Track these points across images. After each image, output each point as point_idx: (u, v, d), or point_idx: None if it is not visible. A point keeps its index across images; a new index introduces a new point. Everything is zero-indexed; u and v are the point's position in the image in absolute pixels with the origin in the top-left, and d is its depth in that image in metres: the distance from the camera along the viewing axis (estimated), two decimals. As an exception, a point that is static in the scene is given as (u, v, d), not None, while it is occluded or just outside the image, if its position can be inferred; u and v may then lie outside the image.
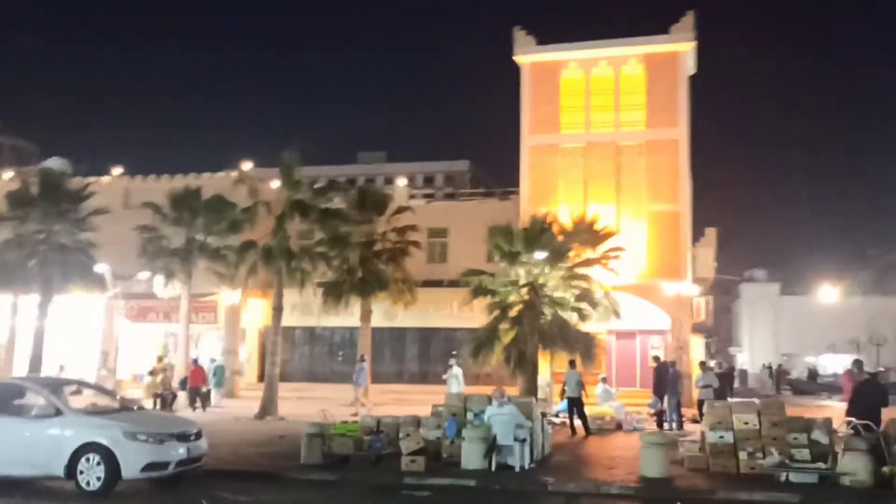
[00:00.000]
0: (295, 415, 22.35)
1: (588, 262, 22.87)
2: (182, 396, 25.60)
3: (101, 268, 25.49)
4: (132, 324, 31.71)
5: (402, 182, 34.17)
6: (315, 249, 24.28)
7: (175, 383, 26.01)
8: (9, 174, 35.72)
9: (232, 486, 12.10)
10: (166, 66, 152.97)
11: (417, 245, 28.46)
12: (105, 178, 32.92)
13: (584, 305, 21.39)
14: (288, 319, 26.10)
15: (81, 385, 14.51)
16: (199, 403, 25.08)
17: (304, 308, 28.43)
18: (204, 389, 25.78)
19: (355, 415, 20.36)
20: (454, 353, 26.84)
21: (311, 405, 24.22)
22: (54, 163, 35.24)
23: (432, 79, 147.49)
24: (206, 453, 12.41)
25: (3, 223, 26.25)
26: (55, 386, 12.65)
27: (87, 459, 11.24)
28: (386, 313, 29.74)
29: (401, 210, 27.93)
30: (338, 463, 13.62)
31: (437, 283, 30.62)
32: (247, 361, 33.67)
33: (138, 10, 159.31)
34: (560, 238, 22.62)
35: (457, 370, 24.22)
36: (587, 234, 24.97)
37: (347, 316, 28.32)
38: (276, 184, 25.74)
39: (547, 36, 31.61)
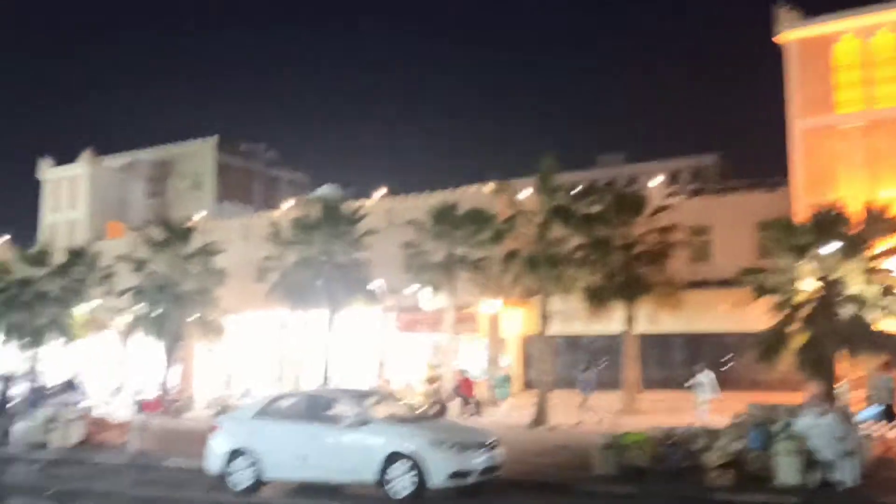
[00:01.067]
0: (566, 424, 22.14)
1: (889, 253, 20.27)
2: (454, 405, 26.47)
3: (376, 283, 27.24)
4: (402, 335, 33.51)
5: (656, 181, 32.86)
6: (575, 255, 24.00)
7: (445, 393, 26.97)
8: (289, 204, 39.56)
9: (530, 497, 12.06)
10: (392, 91, 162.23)
11: (680, 245, 27.14)
12: (370, 201, 35.19)
13: (890, 302, 18.93)
14: (548, 328, 26.06)
15: (381, 395, 15.32)
16: (469, 412, 25.77)
17: (563, 316, 28.27)
18: (472, 398, 26.44)
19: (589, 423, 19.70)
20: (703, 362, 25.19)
21: (577, 414, 23.98)
22: (326, 190, 38.35)
23: (664, 73, 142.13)
24: (502, 463, 12.50)
25: (291, 247, 28.98)
26: (362, 396, 13.44)
27: (396, 467, 11.74)
28: (647, 318, 28.71)
29: (660, 209, 26.79)
30: (633, 475, 13.10)
31: (701, 284, 29.00)
32: (508, 370, 34.18)
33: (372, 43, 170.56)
34: (852, 228, 20.28)
35: (703, 376, 22.78)
36: (881, 222, 22.19)
37: (608, 322, 27.73)
38: (520, 193, 26.08)
39: (811, 8, 28.92)
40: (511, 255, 23.51)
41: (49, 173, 46.40)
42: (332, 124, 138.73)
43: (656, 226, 26.73)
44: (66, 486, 13.89)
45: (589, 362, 26.55)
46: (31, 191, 47.28)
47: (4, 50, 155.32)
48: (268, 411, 13.25)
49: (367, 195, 35.72)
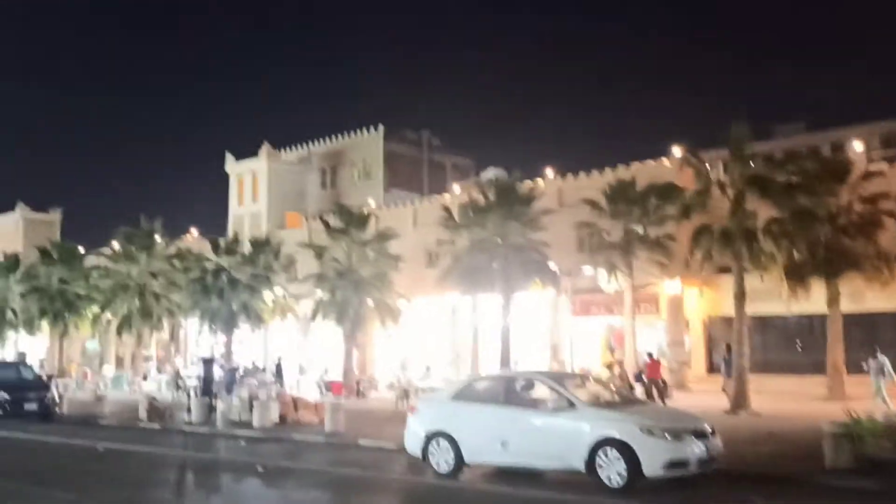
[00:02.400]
0: (770, 409, 20.54)
1: None
2: (638, 389, 25.38)
3: (553, 265, 26.60)
4: (575, 318, 32.68)
5: (859, 146, 29.90)
6: (771, 228, 22.15)
7: (630, 376, 25.92)
8: (456, 188, 39.65)
9: (758, 491, 10.95)
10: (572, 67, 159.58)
11: (890, 215, 24.46)
12: (540, 181, 34.51)
13: None
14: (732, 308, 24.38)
15: (583, 378, 14.69)
16: (656, 396, 24.59)
17: (753, 295, 26.36)
18: (661, 382, 25.24)
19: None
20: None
21: (775, 399, 22.29)
22: (492, 173, 38.06)
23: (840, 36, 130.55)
24: (721, 452, 11.52)
25: (462, 230, 28.89)
26: (562, 379, 12.86)
27: (605, 454, 11.05)
28: (851, 296, 26.18)
29: (869, 175, 24.24)
30: (870, 468, 11.67)
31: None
32: (691, 352, 32.52)
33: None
34: None
35: (877, 362, 20.39)
36: None
37: (804, 302, 25.54)
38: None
39: None
40: (702, 231, 22.04)
41: (234, 167, 49.24)
42: (491, 108, 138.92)
43: (863, 194, 24.27)
44: (273, 464, 14.32)
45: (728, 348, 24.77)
46: (221, 184, 50.14)
47: (205, 56, 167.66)
48: (465, 394, 12.97)
49: (532, 177, 35.06)
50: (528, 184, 31.15)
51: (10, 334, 45.89)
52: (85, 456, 16.53)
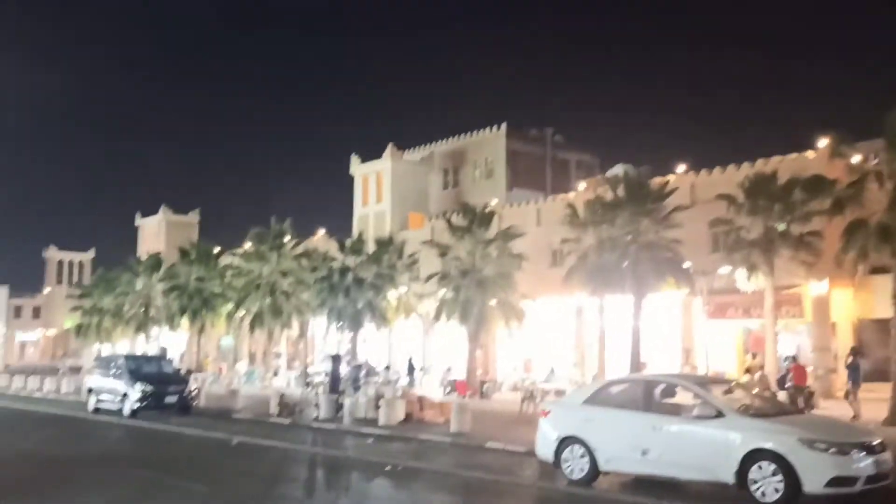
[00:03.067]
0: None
1: None
2: (781, 397, 23.68)
3: (687, 264, 25.28)
4: (710, 320, 31.02)
5: None
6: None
7: (772, 383, 24.23)
8: (582, 185, 38.64)
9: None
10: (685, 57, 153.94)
11: None
12: (671, 176, 33.02)
13: None
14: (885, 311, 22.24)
15: (730, 383, 13.64)
16: (802, 404, 22.84)
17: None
18: (806, 389, 23.45)
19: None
20: None
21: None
22: (620, 169, 36.78)
23: None
24: (891, 469, 10.31)
25: (589, 228, 27.97)
26: (708, 384, 11.95)
27: (760, 467, 10.13)
28: None
29: None
30: None
31: None
32: (837, 358, 30.15)
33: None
34: None
35: None
36: None
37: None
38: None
39: None
40: (856, 226, 20.24)
41: (359, 168, 50.10)
42: (615, 103, 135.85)
43: None
44: (401, 463, 14.11)
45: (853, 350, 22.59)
46: (346, 186, 51.14)
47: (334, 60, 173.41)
48: (600, 398, 12.28)
49: (662, 173, 33.56)
50: (659, 180, 29.81)
51: (154, 330, 48.59)
52: (219, 449, 16.97)
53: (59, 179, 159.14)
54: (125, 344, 52.17)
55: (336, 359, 25.37)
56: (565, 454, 12.01)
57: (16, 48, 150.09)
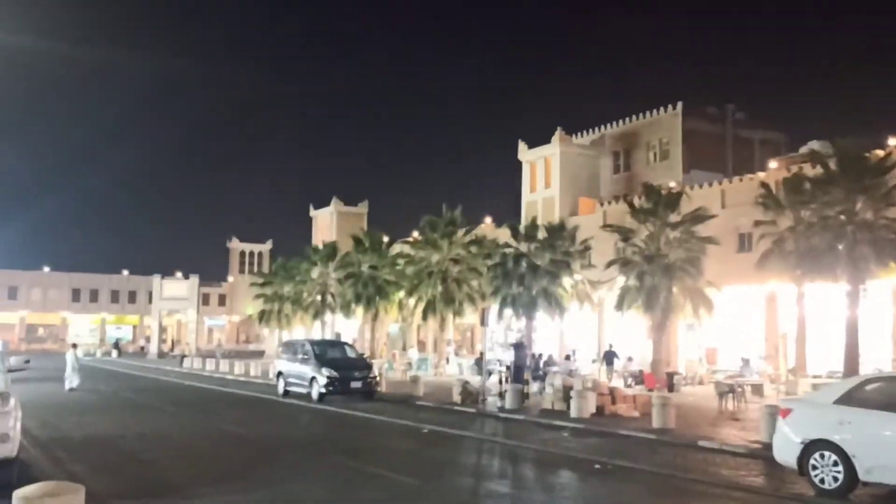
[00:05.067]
0: None
1: None
2: None
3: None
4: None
5: None
6: None
7: None
8: (772, 164, 35.69)
9: None
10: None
11: None
12: (878, 151, 29.64)
13: None
14: None
15: None
16: None
17: None
18: None
19: None
20: None
21: None
22: (817, 145, 33.57)
23: None
24: None
25: (789, 210, 25.54)
26: None
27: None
28: None
29: None
30: None
31: None
32: None
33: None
34: None
35: None
36: None
37: None
38: None
39: None
40: None
41: (527, 155, 49.18)
42: (798, 77, 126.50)
43: None
44: (608, 461, 13.02)
45: None
46: (510, 173, 50.51)
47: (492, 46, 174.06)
48: (855, 397, 10.59)
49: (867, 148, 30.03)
50: (878, 152, 26.65)
51: (327, 317, 50.10)
52: (411, 437, 16.61)
53: (241, 176, 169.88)
54: (301, 330, 54.30)
55: (519, 347, 24.60)
56: (813, 460, 10.45)
57: (207, 48, 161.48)
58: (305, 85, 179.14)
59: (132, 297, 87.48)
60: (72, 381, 27.72)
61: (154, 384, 34.07)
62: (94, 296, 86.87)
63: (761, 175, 34.59)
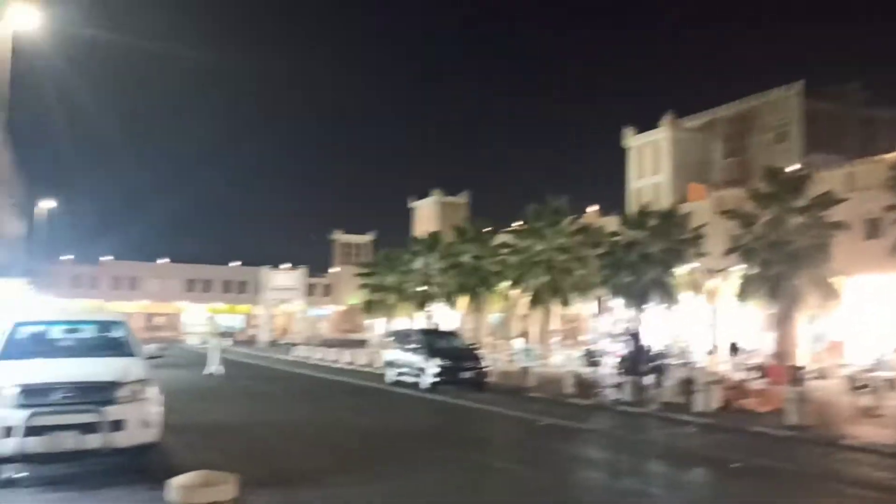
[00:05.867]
0: None
1: None
2: None
3: None
4: None
5: None
6: None
7: None
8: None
9: None
10: None
11: None
12: None
13: None
14: None
15: None
16: None
17: None
18: None
19: None
20: None
21: None
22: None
23: None
24: None
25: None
26: None
27: None
28: None
29: None
30: None
31: None
32: None
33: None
34: None
35: None
36: None
37: None
38: None
39: None
40: None
41: (633, 140, 47.89)
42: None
43: None
44: (752, 460, 12.24)
45: None
46: (614, 159, 49.28)
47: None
48: None
49: None
50: None
51: (431, 307, 50.26)
52: (529, 429, 16.22)
53: (343, 169, 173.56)
54: (403, 320, 54.75)
55: (635, 337, 23.79)
56: None
57: (311, 47, 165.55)
58: (405, 77, 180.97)
59: (242, 287, 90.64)
60: (212, 367, 29.81)
61: (267, 372, 34.98)
62: (207, 286, 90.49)
63: (892, 155, 32.28)
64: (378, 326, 57.69)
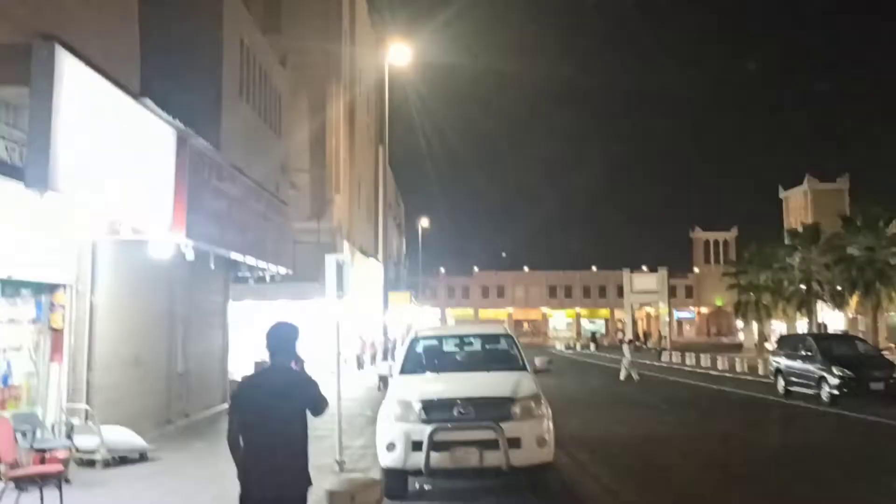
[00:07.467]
0: None
1: None
2: None
3: None
4: None
5: None
6: None
7: None
8: None
9: None
10: None
11: None
12: None
13: None
14: None
15: None
16: None
17: None
18: None
19: None
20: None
21: None
22: None
23: None
24: None
25: None
26: None
27: None
28: None
29: None
30: None
31: None
32: None
33: None
34: None
35: None
36: None
37: None
38: None
39: None
40: None
41: None
42: None
43: None
44: None
45: None
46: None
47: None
48: None
49: None
50: None
51: (817, 308, 45.08)
52: None
53: (700, 163, 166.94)
54: (780, 324, 49.99)
55: None
56: None
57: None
58: (755, 58, 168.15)
59: (602, 291, 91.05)
60: (626, 372, 30.97)
61: (639, 379, 33.97)
62: (567, 292, 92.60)
63: None
64: (753, 329, 53.44)
